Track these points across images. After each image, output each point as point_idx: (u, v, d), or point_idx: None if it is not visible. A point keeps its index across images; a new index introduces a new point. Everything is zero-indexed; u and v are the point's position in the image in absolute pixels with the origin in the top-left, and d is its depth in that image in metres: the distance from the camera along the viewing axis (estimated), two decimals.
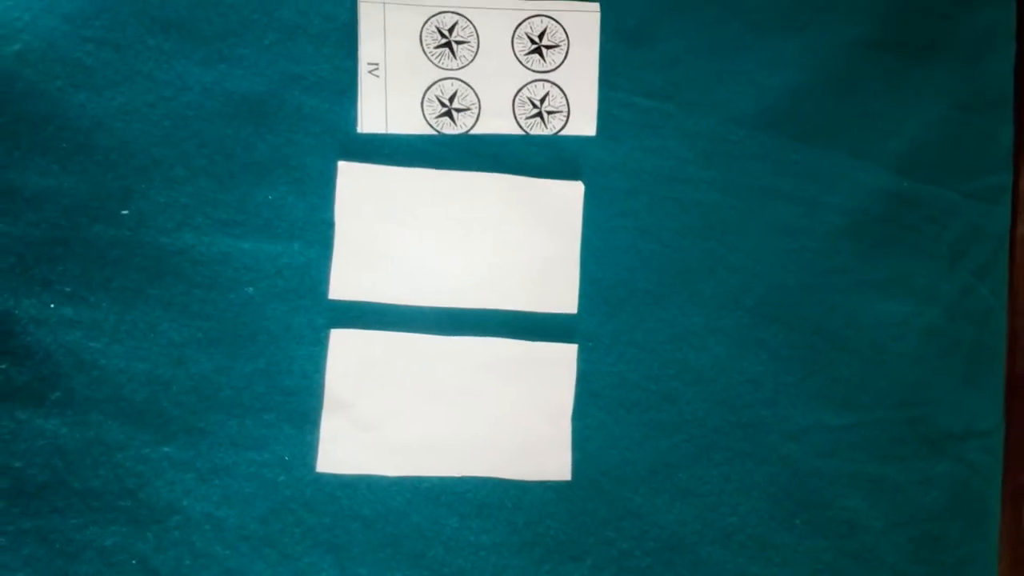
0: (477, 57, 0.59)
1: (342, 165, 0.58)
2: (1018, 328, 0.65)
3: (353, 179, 0.58)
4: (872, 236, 0.61)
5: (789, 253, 0.61)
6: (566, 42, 0.59)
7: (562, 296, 0.59)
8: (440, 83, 0.58)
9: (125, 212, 0.56)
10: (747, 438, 0.60)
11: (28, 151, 0.56)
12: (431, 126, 0.58)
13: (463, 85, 0.59)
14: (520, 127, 0.59)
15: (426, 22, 0.58)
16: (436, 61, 0.58)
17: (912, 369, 0.62)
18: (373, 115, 0.58)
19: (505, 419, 0.58)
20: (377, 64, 0.58)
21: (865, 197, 0.61)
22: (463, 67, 0.59)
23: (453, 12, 0.58)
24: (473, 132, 0.59)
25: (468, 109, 0.59)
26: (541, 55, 0.59)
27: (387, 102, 0.58)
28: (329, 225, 0.58)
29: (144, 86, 0.56)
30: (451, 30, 0.58)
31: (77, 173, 0.56)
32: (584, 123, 0.59)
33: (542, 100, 0.59)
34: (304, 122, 0.58)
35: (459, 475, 0.58)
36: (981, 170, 0.63)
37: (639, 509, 0.59)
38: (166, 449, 0.56)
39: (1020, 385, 0.65)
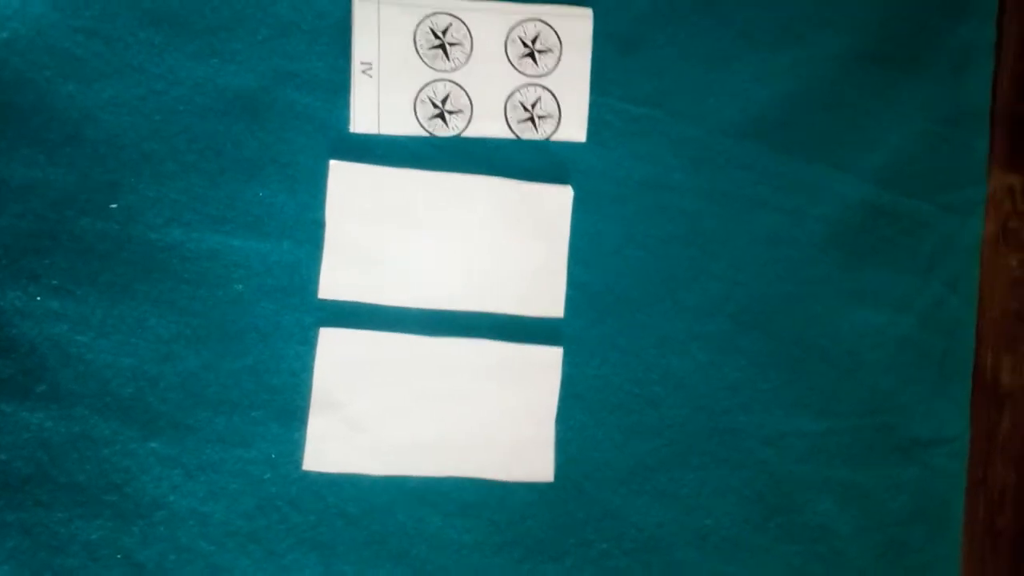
0: (470, 60, 0.59)
1: (333, 164, 0.58)
2: (985, 329, 0.67)
3: (344, 178, 0.58)
4: (852, 247, 0.62)
5: (771, 262, 0.62)
6: (559, 47, 0.59)
7: (549, 300, 0.60)
8: (433, 84, 0.58)
9: (114, 206, 0.56)
10: (725, 443, 0.61)
11: (15, 141, 0.55)
12: (423, 127, 0.58)
13: (456, 87, 0.59)
14: (511, 131, 0.59)
15: (420, 23, 0.58)
16: (429, 62, 0.58)
17: (885, 377, 0.63)
18: (365, 115, 0.58)
19: (490, 420, 0.59)
20: (370, 64, 0.58)
21: (846, 209, 0.62)
22: (456, 69, 0.59)
23: (447, 14, 0.58)
24: (465, 134, 0.59)
25: (460, 111, 0.59)
26: (534, 59, 0.59)
27: (380, 102, 0.58)
28: (319, 224, 0.58)
29: (134, 79, 0.56)
30: (445, 32, 0.58)
31: (65, 165, 0.55)
32: (574, 128, 0.60)
33: (534, 104, 0.59)
34: (296, 120, 0.57)
35: (444, 475, 0.59)
36: (957, 183, 0.65)
37: (618, 511, 0.60)
38: (152, 445, 0.56)
39: (986, 386, 0.67)
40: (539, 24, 0.59)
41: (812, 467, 0.62)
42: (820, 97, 0.62)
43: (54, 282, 0.55)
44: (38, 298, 0.55)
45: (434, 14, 0.58)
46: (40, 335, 0.55)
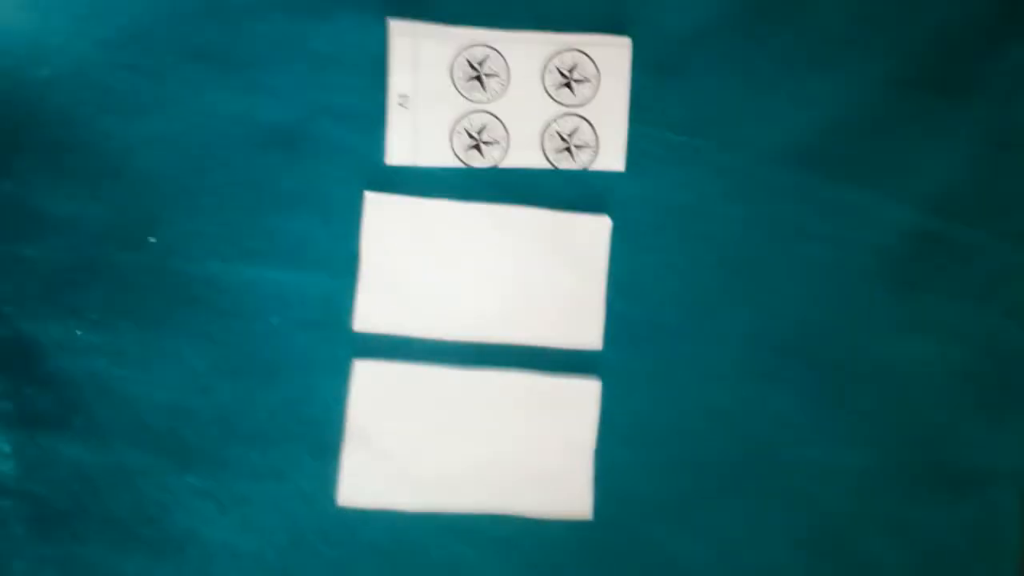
0: (507, 90, 0.58)
1: (369, 196, 0.57)
2: None
3: (380, 210, 0.58)
4: (900, 275, 0.61)
5: (816, 291, 0.60)
6: (596, 76, 0.59)
7: (587, 331, 0.59)
8: (469, 116, 0.58)
9: (152, 239, 0.56)
10: (770, 476, 0.60)
11: (56, 176, 0.56)
12: (459, 159, 0.58)
13: (492, 118, 0.58)
14: (548, 161, 0.59)
15: (457, 55, 0.58)
16: (466, 94, 0.58)
17: (937, 410, 0.61)
18: (401, 147, 0.58)
19: (527, 455, 0.58)
20: (407, 96, 0.58)
21: (894, 236, 0.61)
22: (493, 100, 0.58)
23: (484, 46, 0.58)
24: (501, 165, 0.58)
25: (497, 142, 0.58)
26: (571, 89, 0.59)
27: (416, 134, 0.58)
28: (354, 256, 0.57)
29: (174, 113, 0.57)
30: (481, 63, 0.58)
31: (104, 199, 0.56)
32: (613, 158, 0.59)
33: (571, 134, 0.59)
34: (332, 152, 0.58)
35: (480, 511, 0.58)
36: (1012, 209, 0.62)
37: (660, 548, 0.59)
38: (188, 478, 0.56)
39: None
40: (576, 54, 0.58)
41: (862, 503, 0.60)
42: (863, 122, 0.60)
43: (93, 316, 0.56)
44: (78, 332, 0.56)
45: (471, 46, 0.58)
46: (78, 368, 0.56)
